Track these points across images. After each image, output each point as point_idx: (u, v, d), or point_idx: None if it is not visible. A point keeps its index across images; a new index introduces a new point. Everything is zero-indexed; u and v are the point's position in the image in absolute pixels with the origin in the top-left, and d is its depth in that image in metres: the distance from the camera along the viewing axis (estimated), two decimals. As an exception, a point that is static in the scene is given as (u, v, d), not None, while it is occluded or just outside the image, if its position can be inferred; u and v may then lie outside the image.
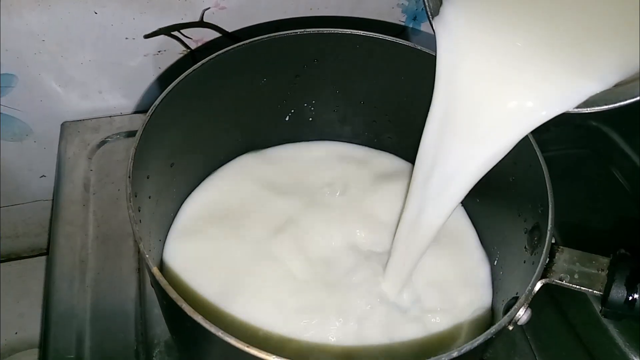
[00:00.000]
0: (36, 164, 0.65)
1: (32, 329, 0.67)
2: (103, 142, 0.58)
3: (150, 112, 0.38)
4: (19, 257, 0.76)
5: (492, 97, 0.31)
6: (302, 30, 0.45)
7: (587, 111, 0.31)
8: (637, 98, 0.29)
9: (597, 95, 0.30)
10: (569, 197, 0.55)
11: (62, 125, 0.59)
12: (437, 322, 0.41)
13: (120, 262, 0.50)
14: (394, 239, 0.42)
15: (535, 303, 0.34)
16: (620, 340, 0.47)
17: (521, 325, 0.37)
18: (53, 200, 0.54)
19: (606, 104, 0.30)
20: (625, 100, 0.30)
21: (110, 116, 0.60)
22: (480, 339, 0.31)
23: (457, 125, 0.33)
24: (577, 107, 0.31)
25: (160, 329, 0.45)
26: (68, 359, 0.44)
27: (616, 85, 0.30)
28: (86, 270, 0.49)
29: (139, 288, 0.48)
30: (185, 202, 0.48)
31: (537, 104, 0.30)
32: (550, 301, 0.49)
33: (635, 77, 0.29)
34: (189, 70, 0.41)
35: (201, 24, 0.55)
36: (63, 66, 0.55)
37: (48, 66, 0.55)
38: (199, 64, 0.41)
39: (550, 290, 0.48)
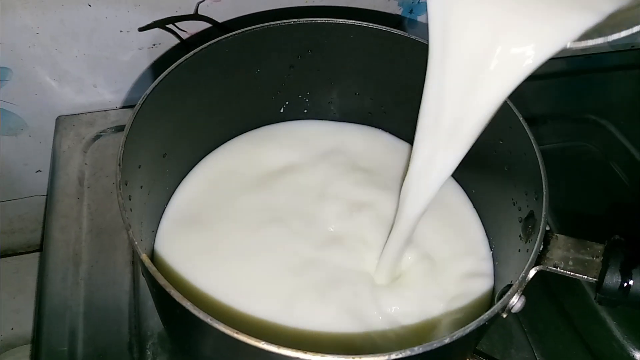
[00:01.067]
0: (32, 159, 0.65)
1: (29, 325, 0.67)
2: (98, 136, 0.58)
3: (141, 101, 0.38)
4: (15, 253, 0.76)
5: (487, 42, 0.30)
6: (296, 20, 0.45)
7: (582, 45, 0.29)
8: (636, 29, 0.28)
9: (592, 28, 0.28)
10: (566, 189, 0.55)
11: (57, 119, 0.59)
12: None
13: (114, 255, 0.49)
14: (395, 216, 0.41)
15: (532, 294, 0.34)
16: (618, 332, 0.47)
17: (516, 314, 0.36)
18: (47, 193, 0.54)
19: (600, 36, 0.29)
20: (621, 31, 0.28)
21: (105, 110, 0.60)
22: (473, 325, 0.30)
23: (456, 82, 0.32)
24: (573, 43, 0.29)
25: (154, 321, 0.45)
26: (61, 352, 0.44)
27: (610, 19, 0.28)
28: (80, 263, 0.49)
29: (132, 281, 0.48)
30: (176, 190, 0.47)
31: (533, 44, 0.29)
32: (547, 292, 0.48)
33: (632, 5, 0.28)
34: (180, 59, 0.41)
35: (196, 16, 0.55)
36: (57, 60, 0.55)
37: (42, 60, 0.55)
38: (191, 53, 0.41)
39: (547, 281, 0.48)
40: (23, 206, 0.70)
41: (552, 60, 0.73)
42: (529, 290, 0.34)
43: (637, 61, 0.68)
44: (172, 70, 0.40)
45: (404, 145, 0.52)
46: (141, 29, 0.55)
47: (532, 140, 0.38)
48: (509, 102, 0.40)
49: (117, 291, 0.47)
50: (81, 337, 0.44)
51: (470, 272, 0.44)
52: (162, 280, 0.30)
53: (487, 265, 0.44)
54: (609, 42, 0.28)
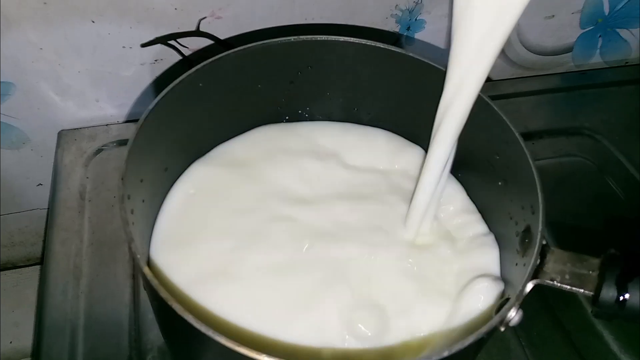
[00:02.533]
0: (33, 172, 0.65)
1: (27, 339, 0.67)
2: (99, 150, 0.58)
3: (143, 116, 0.38)
4: (14, 266, 0.76)
5: None
6: (296, 37, 0.46)
7: None
8: None
9: None
10: (562, 203, 0.55)
11: (59, 133, 0.60)
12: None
13: (115, 268, 0.50)
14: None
15: (529, 308, 0.34)
16: (615, 346, 0.47)
17: (514, 328, 0.37)
18: (49, 207, 0.54)
19: None
20: None
21: (106, 124, 0.61)
22: (471, 338, 0.31)
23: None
24: None
25: (154, 334, 0.45)
26: (61, 365, 0.44)
27: None
28: (80, 276, 0.49)
29: (132, 294, 0.48)
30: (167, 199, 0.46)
31: None
32: (544, 306, 0.49)
33: None
34: (183, 75, 0.41)
35: (197, 33, 0.56)
36: (60, 75, 0.56)
37: (46, 75, 0.55)
38: (193, 69, 0.42)
39: (544, 295, 0.49)
40: (24, 219, 0.71)
41: (548, 76, 0.74)
42: (527, 304, 0.34)
43: (631, 77, 0.69)
44: (174, 86, 0.41)
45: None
46: (143, 45, 0.55)
47: (528, 156, 0.38)
48: (504, 117, 0.41)
49: (117, 304, 0.47)
50: (81, 351, 0.44)
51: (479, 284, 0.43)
52: (164, 294, 0.31)
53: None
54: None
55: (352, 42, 0.46)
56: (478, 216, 0.47)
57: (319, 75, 0.49)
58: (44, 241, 0.52)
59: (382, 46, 0.45)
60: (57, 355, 0.44)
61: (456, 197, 0.48)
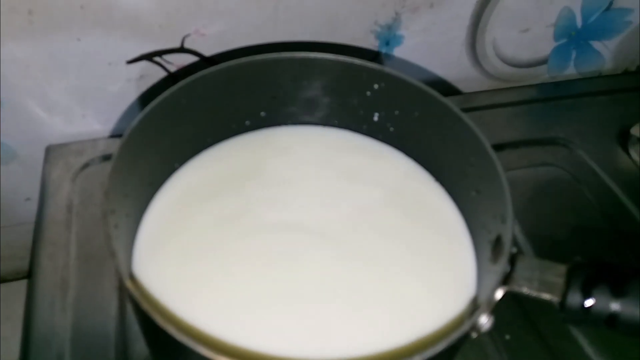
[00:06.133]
0: (21, 187, 0.66)
1: (15, 353, 0.67)
2: (86, 165, 0.59)
3: (126, 133, 0.39)
4: (2, 281, 0.76)
5: None
6: (278, 54, 0.47)
7: None
8: None
9: None
10: (537, 212, 0.57)
11: (47, 148, 0.61)
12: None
13: (102, 281, 0.50)
14: None
15: (506, 313, 0.36)
16: (589, 350, 0.48)
17: (491, 334, 0.38)
18: (36, 221, 0.55)
19: None
20: None
21: (93, 139, 0.62)
22: (443, 344, 0.32)
23: None
24: None
25: (140, 346, 0.46)
26: (48, 378, 0.44)
27: None
28: (67, 289, 0.50)
29: (119, 306, 0.49)
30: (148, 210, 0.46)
31: None
32: (521, 312, 0.50)
33: None
34: (165, 92, 0.42)
35: (182, 50, 0.57)
36: (47, 92, 0.57)
37: (32, 92, 0.56)
38: (176, 87, 0.43)
39: (520, 301, 0.50)
40: (12, 234, 0.71)
41: (524, 88, 0.76)
42: (503, 309, 0.35)
43: (604, 88, 0.71)
44: (157, 103, 0.42)
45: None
46: (129, 62, 0.57)
47: (497, 165, 0.39)
48: (475, 128, 0.42)
49: (104, 317, 0.48)
50: (68, 363, 0.45)
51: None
52: (145, 306, 0.32)
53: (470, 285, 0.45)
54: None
55: (331, 59, 0.47)
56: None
57: (300, 91, 0.50)
58: (32, 255, 0.53)
59: (357, 62, 0.47)
60: (44, 368, 0.45)
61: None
